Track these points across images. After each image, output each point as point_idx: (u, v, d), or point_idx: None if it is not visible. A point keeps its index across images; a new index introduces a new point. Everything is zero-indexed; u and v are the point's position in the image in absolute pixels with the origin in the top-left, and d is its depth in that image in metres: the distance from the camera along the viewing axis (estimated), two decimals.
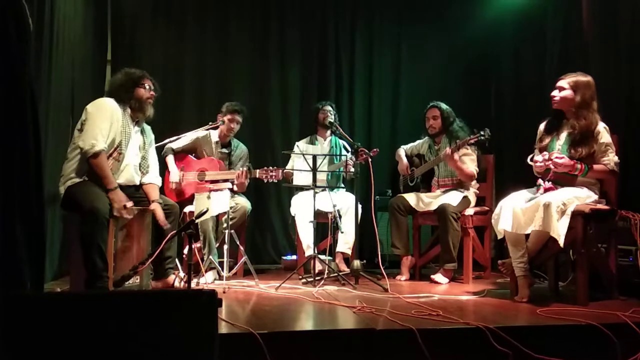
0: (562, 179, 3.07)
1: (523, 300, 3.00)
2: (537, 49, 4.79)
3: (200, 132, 4.19)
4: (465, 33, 5.32)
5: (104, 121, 3.15)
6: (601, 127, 3.05)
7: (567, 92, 3.10)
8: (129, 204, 3.11)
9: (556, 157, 2.99)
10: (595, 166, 3.02)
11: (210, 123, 4.17)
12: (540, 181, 3.16)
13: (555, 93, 3.15)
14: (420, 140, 4.37)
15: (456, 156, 3.86)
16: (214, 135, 4.22)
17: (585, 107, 3.04)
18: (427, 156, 4.24)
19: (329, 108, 4.48)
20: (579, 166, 2.98)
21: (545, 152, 3.11)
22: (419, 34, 5.42)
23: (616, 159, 3.03)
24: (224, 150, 4.26)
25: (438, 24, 5.40)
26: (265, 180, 3.94)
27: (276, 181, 3.97)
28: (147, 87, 3.37)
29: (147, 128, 3.50)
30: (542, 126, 3.29)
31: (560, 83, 3.14)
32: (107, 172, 3.10)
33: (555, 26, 4.61)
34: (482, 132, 3.68)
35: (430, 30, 5.41)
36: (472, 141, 3.76)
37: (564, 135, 3.15)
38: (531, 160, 3.17)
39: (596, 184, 3.12)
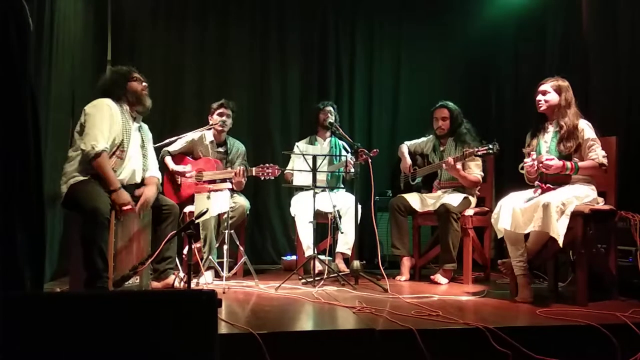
0: (556, 179, 3.09)
1: (525, 301, 3.00)
2: (537, 49, 4.80)
3: (195, 134, 4.19)
4: (465, 33, 5.34)
5: (104, 121, 3.13)
6: (583, 124, 3.13)
7: (552, 96, 3.20)
8: (130, 208, 3.10)
9: (546, 160, 3.03)
10: (584, 163, 3.06)
11: (207, 126, 4.18)
12: (537, 182, 3.17)
13: (540, 97, 3.24)
14: (425, 137, 4.32)
15: (458, 165, 3.85)
16: (209, 136, 4.21)
17: (568, 106, 3.17)
18: (431, 157, 4.21)
19: (330, 109, 4.47)
20: (569, 165, 3.03)
21: (533, 153, 3.15)
22: (419, 34, 5.43)
23: (603, 152, 3.07)
24: (220, 149, 4.26)
25: (438, 24, 5.40)
26: (262, 178, 3.93)
27: (272, 178, 3.96)
28: (137, 80, 3.35)
29: (145, 127, 3.48)
30: (528, 135, 3.37)
31: (543, 87, 3.24)
32: (109, 173, 3.09)
33: (556, 26, 4.62)
34: (490, 146, 3.62)
35: (430, 31, 5.41)
36: (479, 153, 3.70)
37: (549, 136, 3.22)
38: (522, 168, 3.20)
39: (592, 180, 3.15)
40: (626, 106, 3.76)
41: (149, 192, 3.26)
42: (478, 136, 4.03)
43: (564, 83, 3.21)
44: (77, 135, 3.17)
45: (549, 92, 3.21)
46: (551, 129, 3.22)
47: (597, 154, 3.06)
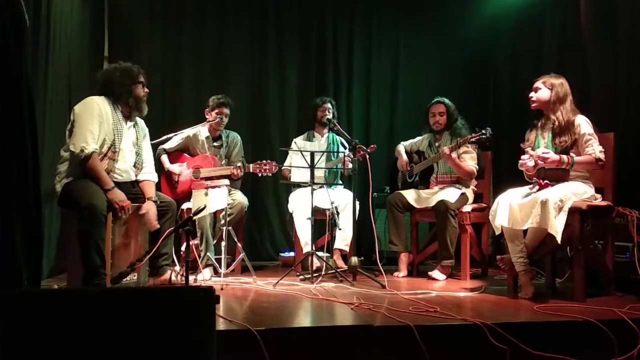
0: (554, 176, 3.10)
1: (527, 297, 3.00)
2: (535, 47, 4.79)
3: (189, 131, 4.17)
4: (463, 32, 5.33)
5: (93, 122, 3.09)
6: (581, 119, 3.14)
7: (544, 92, 3.22)
8: (127, 203, 3.11)
9: (543, 153, 3.05)
10: (580, 158, 3.07)
11: (203, 122, 4.17)
12: (535, 178, 3.17)
13: (531, 94, 3.26)
14: (420, 137, 4.36)
15: (454, 154, 3.86)
16: (204, 131, 4.21)
17: (560, 102, 3.18)
18: (427, 153, 4.23)
19: (329, 105, 4.47)
20: (565, 159, 3.04)
21: (529, 150, 3.18)
22: (417, 33, 5.42)
23: (600, 147, 3.07)
24: (216, 143, 4.25)
25: (436, 23, 5.39)
26: (259, 174, 3.93)
27: (270, 175, 3.96)
28: (142, 84, 3.34)
29: (140, 122, 3.45)
30: (528, 131, 3.39)
31: (536, 84, 3.26)
32: (101, 173, 3.07)
33: (553, 25, 4.61)
34: (483, 131, 3.67)
35: (428, 29, 5.41)
36: (473, 139, 3.74)
37: (547, 134, 3.22)
38: (521, 165, 3.21)
39: (590, 177, 3.15)
40: (624, 102, 3.76)
41: (152, 214, 3.23)
42: (473, 132, 4.04)
43: (557, 80, 3.21)
44: (69, 133, 3.15)
45: (540, 89, 3.23)
46: (548, 128, 3.22)
47: (594, 149, 3.05)
